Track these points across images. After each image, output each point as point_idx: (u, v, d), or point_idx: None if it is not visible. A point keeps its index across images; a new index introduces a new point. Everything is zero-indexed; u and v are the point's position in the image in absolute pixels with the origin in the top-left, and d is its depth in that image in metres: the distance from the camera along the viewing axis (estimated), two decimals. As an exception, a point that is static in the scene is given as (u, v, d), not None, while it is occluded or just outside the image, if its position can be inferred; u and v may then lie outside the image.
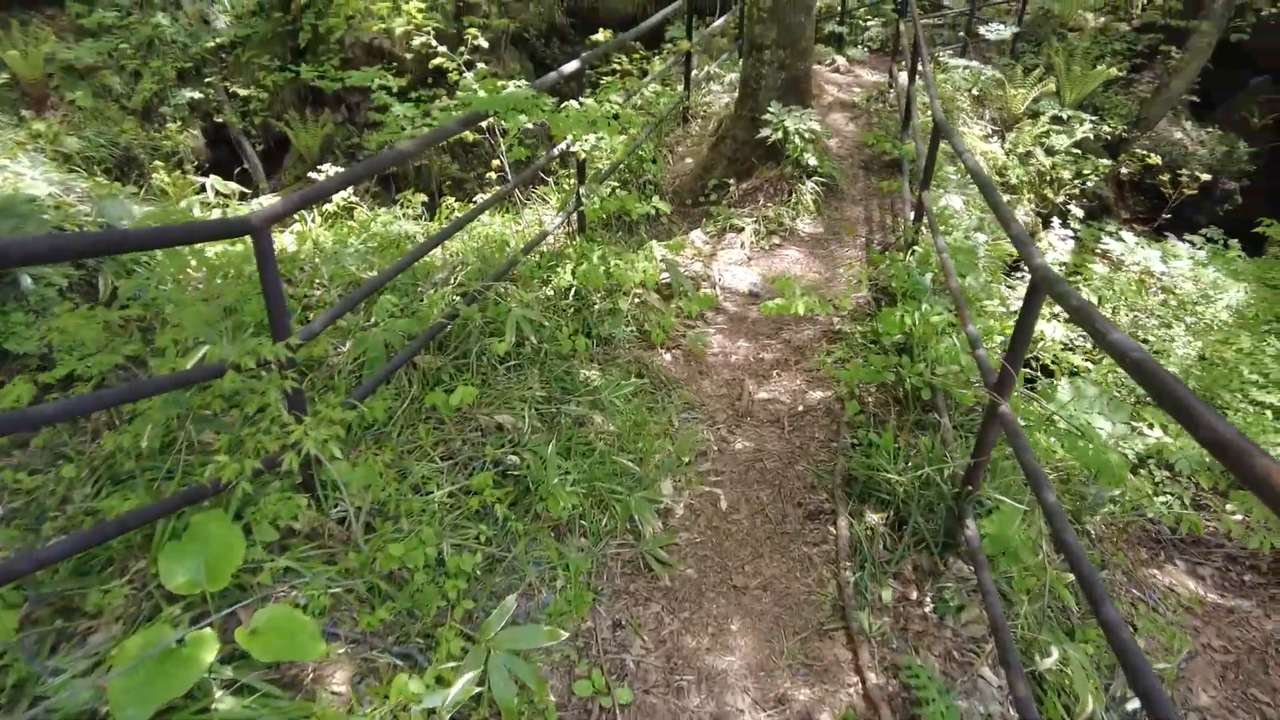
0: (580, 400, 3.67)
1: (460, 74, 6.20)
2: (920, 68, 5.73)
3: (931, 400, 3.65)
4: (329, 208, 5.95)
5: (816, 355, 4.35)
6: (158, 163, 7.48)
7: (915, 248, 4.89)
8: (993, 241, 6.30)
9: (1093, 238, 8.72)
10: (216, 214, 5.51)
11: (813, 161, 5.92)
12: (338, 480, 2.53)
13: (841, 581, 2.91)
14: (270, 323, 2.49)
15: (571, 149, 4.58)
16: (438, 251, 5.33)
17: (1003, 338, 4.65)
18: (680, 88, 7.47)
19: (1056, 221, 8.92)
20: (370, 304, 4.02)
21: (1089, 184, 8.79)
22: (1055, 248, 8.55)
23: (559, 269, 4.58)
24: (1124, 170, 10.30)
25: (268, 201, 5.28)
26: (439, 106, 4.24)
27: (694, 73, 8.36)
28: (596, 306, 4.49)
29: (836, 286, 5.13)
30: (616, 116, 4.66)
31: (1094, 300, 5.94)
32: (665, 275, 4.96)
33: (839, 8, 10.28)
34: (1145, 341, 6.10)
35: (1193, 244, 8.88)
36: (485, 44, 6.64)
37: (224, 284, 3.47)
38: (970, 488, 2.81)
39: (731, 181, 6.15)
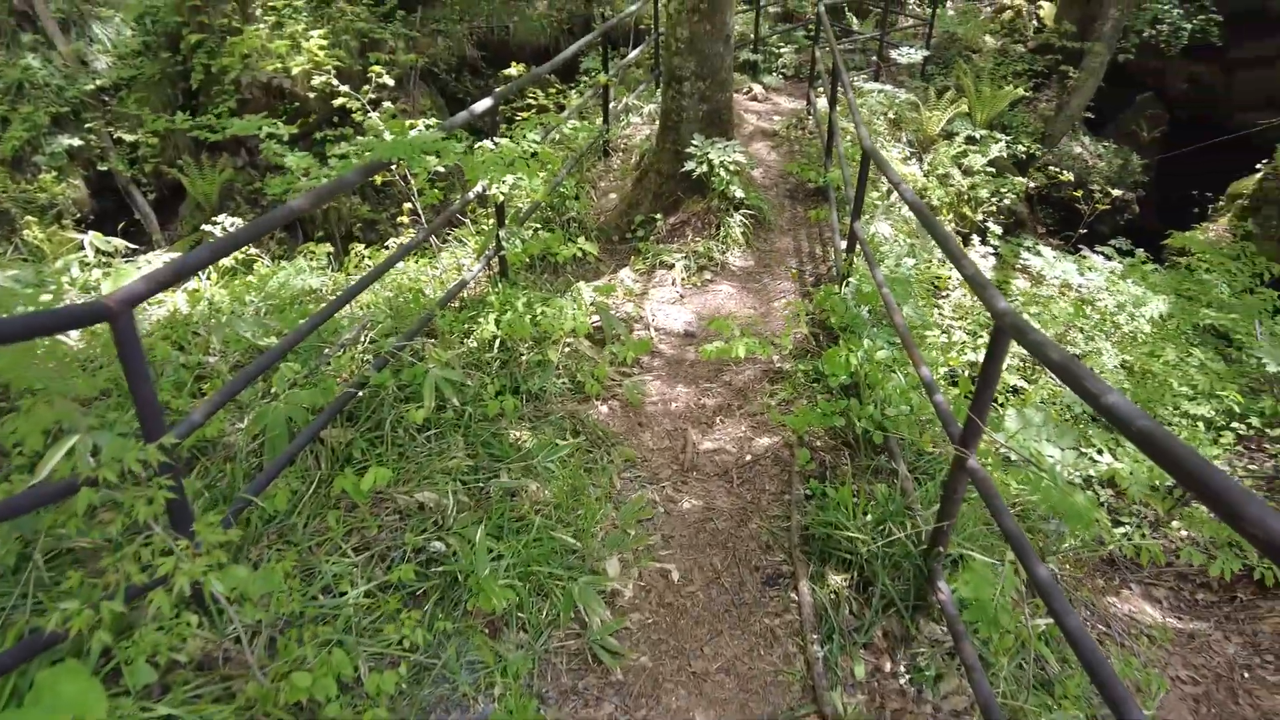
0: (511, 467, 3.35)
1: (365, 113, 5.85)
2: (842, 93, 5.67)
3: (885, 444, 3.46)
4: (226, 262, 5.48)
5: (760, 398, 4.13)
6: (30, 218, 6.82)
7: (850, 279, 4.76)
8: (922, 266, 6.27)
9: (1012, 254, 8.87)
10: (97, 273, 4.97)
11: (739, 193, 5.78)
12: (227, 608, 2.14)
13: (809, 657, 2.65)
14: (140, 420, 2.10)
15: (488, 191, 4.29)
16: (347, 306, 4.95)
17: (947, 368, 4.55)
18: (599, 121, 7.27)
19: (976, 239, 9.08)
20: (272, 371, 3.62)
21: (1006, 201, 8.97)
22: (979, 265, 8.67)
23: (481, 319, 4.25)
24: (1030, 184, 10.60)
25: (155, 260, 4.79)
26: (337, 154, 3.87)
27: (612, 105, 8.19)
28: (524, 358, 4.18)
29: (773, 322, 4.95)
30: (535, 155, 4.39)
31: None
32: (596, 319, 4.70)
33: (752, 36, 10.31)
34: (1080, 356, 6.14)
35: (1105, 255, 9.15)
36: (391, 81, 6.30)
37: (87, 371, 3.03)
38: (939, 548, 2.61)
39: (658, 216, 5.95)
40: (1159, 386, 5.44)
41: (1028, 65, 13.23)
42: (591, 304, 4.67)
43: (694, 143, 5.82)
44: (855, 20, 12.58)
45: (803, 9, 12.71)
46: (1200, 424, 5.11)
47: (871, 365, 3.73)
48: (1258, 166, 12.71)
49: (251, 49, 8.22)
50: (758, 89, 9.33)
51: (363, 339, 3.92)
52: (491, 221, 5.06)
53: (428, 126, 4.21)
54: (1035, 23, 17.06)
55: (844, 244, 5.38)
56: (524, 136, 4.51)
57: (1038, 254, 8.50)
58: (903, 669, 2.66)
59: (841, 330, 4.38)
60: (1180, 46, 13.93)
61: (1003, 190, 8.70)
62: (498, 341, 4.23)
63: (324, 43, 8.51)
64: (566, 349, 4.23)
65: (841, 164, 5.73)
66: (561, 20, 11.87)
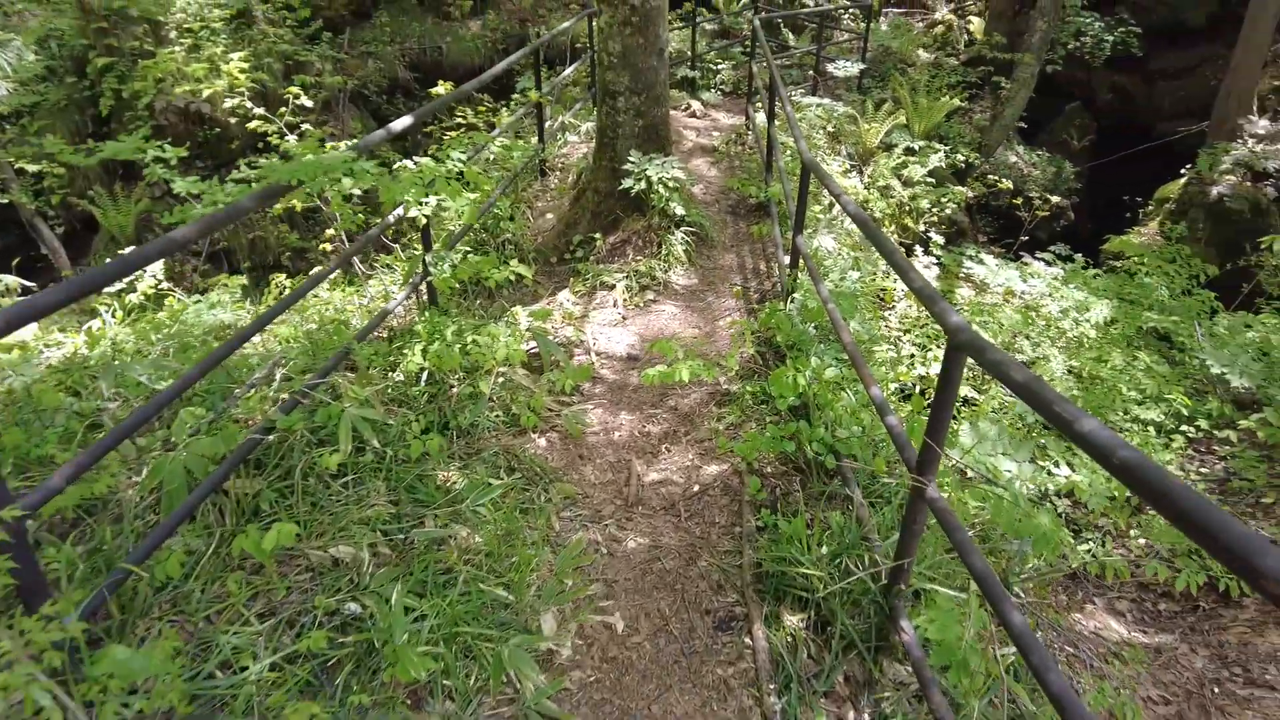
0: (438, 513, 3.06)
1: (282, 137, 5.54)
2: (780, 108, 5.55)
3: (838, 468, 3.28)
4: (134, 298, 5.09)
5: (707, 422, 3.92)
6: (-82, 257, 6.30)
7: (795, 295, 4.60)
8: (867, 278, 6.17)
9: (955, 263, 8.89)
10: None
11: (680, 210, 5.60)
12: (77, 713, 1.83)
13: (766, 710, 2.43)
14: (-25, 489, 1.80)
15: (411, 214, 4.03)
16: (260, 341, 4.61)
17: (898, 384, 4.40)
18: (535, 140, 7.05)
19: (919, 249, 9.09)
20: (172, 418, 3.28)
21: (947, 211, 9.00)
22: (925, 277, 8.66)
23: (407, 350, 3.98)
24: (969, 194, 10.71)
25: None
26: (235, 178, 3.57)
27: (548, 124, 7.99)
28: (455, 390, 3.91)
29: (719, 341, 4.76)
30: (461, 175, 4.15)
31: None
32: (533, 346, 4.45)
33: (689, 53, 10.24)
34: (1031, 363, 6.10)
35: (1045, 261, 9.24)
36: (309, 103, 6.00)
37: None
38: (900, 585, 2.41)
39: (597, 236, 5.73)
40: (1108, 392, 5.40)
41: (961, 77, 13.47)
42: (528, 329, 4.42)
43: (631, 159, 5.64)
44: (791, 36, 12.65)
45: (739, 26, 12.73)
46: (1151, 429, 5.07)
47: (820, 385, 3.55)
48: (1182, 172, 13.12)
49: (166, 73, 7.81)
50: (696, 105, 9.24)
51: (275, 377, 3.61)
52: (420, 246, 4.78)
53: (349, 148, 3.93)
54: (966, 36, 17.47)
55: (787, 259, 5.24)
56: (448, 156, 4.26)
57: (980, 262, 8.53)
58: (867, 717, 2.45)
59: (788, 348, 4.20)
60: (1104, 58, 14.36)
61: (944, 200, 8.72)
62: (425, 374, 3.96)
63: (244, 65, 8.15)
64: (500, 379, 3.96)
65: (782, 178, 5.61)
66: (496, 40, 11.67)
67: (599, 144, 5.91)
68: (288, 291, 5.27)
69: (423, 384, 3.92)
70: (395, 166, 3.97)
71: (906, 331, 7.13)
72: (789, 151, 7.56)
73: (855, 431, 3.31)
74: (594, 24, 7.99)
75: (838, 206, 6.35)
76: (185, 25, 8.11)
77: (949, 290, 8.27)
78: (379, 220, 4.47)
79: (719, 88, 10.48)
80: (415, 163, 3.83)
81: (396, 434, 3.43)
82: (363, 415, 3.23)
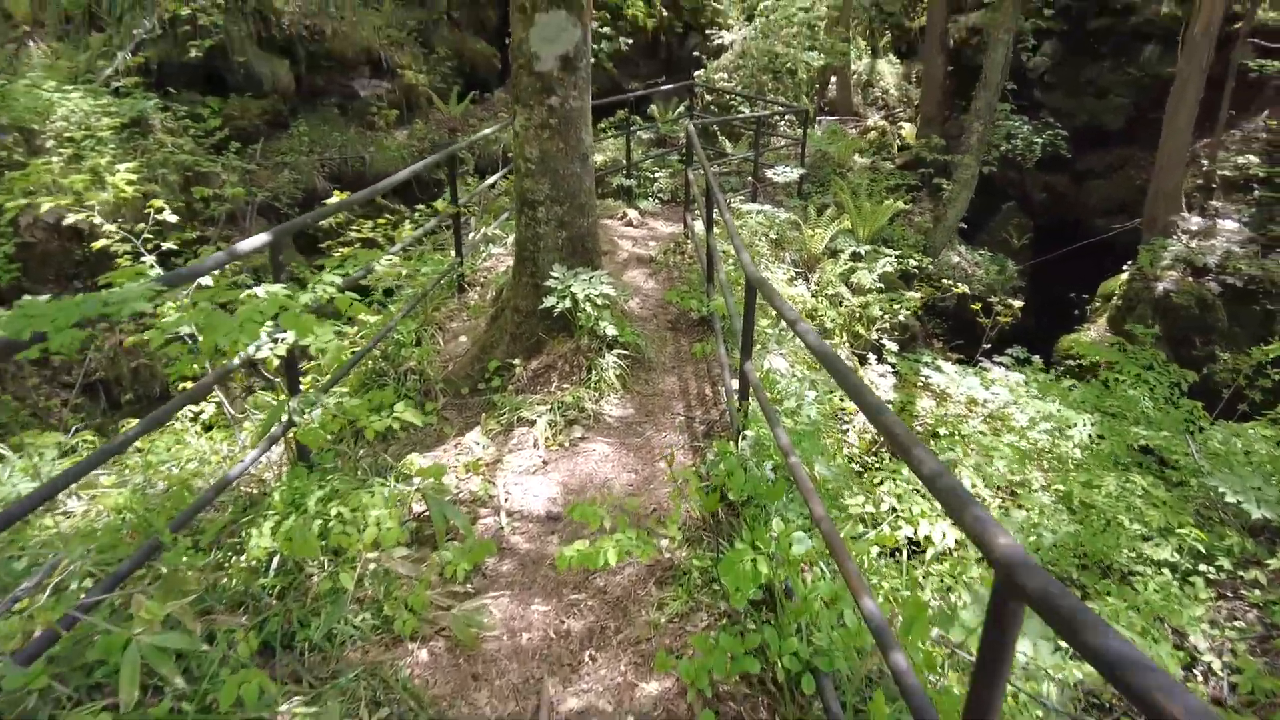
0: (250, 802, 2.10)
1: (138, 258, 4.72)
2: (719, 216, 4.96)
3: (819, 691, 2.42)
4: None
5: (645, 611, 3.04)
6: None
7: (746, 432, 3.84)
8: (824, 395, 5.48)
9: (912, 371, 8.34)
10: None
11: (611, 330, 4.87)
12: None
13: None
14: None
15: (260, 354, 3.20)
16: (80, 513, 3.65)
17: (891, 585, 3.57)
18: (453, 253, 6.35)
19: (873, 358, 8.54)
20: None
21: (900, 317, 8.51)
22: (878, 386, 8.07)
23: (255, 529, 3.06)
24: (920, 299, 10.34)
25: None
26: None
27: (471, 235, 7.34)
28: (315, 580, 2.99)
29: (659, 489, 3.94)
30: (332, 301, 3.35)
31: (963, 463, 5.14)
32: (423, 507, 3.57)
33: (625, 160, 9.85)
34: (1011, 489, 5.41)
35: (1004, 366, 8.80)
36: (173, 217, 5.24)
37: None
38: None
39: (517, 361, 4.95)
40: (1108, 526, 4.69)
41: (900, 180, 13.46)
42: (418, 489, 3.54)
43: (554, 275, 4.93)
44: (728, 143, 12.49)
45: (675, 134, 12.55)
46: (1166, 570, 4.35)
47: (788, 566, 2.73)
48: (1124, 268, 13.13)
49: (38, 184, 6.97)
50: (633, 214, 8.73)
51: (46, 585, 2.64)
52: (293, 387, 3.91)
53: (160, 279, 3.11)
54: (899, 141, 17.81)
55: (735, 383, 4.52)
56: (319, 281, 3.48)
57: (939, 369, 7.96)
58: None
59: (743, 504, 3.40)
60: (1035, 160, 14.62)
61: (897, 306, 8.24)
62: (275, 560, 3.04)
63: (133, 177, 7.37)
64: (372, 566, 3.05)
65: (725, 291, 4.95)
66: (424, 150, 11.18)
67: (518, 258, 5.21)
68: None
69: (272, 573, 2.99)
70: (243, 295, 3.16)
71: (870, 453, 6.44)
72: (731, 260, 7.01)
73: (837, 635, 2.47)
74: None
75: (783, 323, 5.72)
76: (66, 135, 7.34)
77: (908, 401, 7.67)
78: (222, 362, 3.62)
79: (657, 196, 10.07)
80: (263, 293, 3.03)
81: (215, 661, 2.48)
82: (160, 644, 2.29)
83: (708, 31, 14.07)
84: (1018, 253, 15.74)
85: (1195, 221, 12.60)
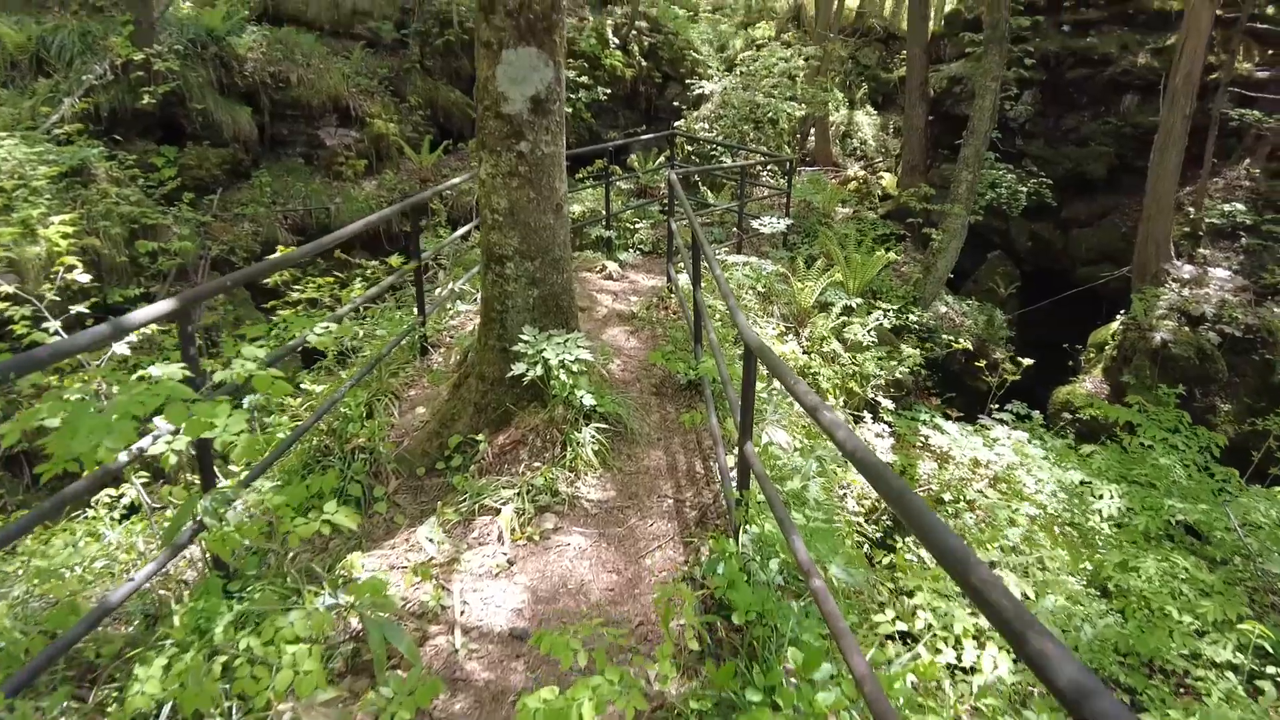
0: None
1: (36, 325, 4.11)
2: (708, 270, 4.45)
3: None
4: None
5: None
6: None
7: (747, 528, 3.26)
8: (827, 466, 4.92)
9: (910, 430, 7.84)
10: None
11: (589, 400, 4.30)
12: None
13: None
14: None
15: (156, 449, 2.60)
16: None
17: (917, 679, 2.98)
18: (416, 312, 5.78)
19: (869, 416, 8.02)
20: None
21: (897, 374, 8.03)
22: (876, 447, 7.53)
23: (144, 665, 2.43)
24: (920, 356, 9.87)
25: None
26: None
27: (438, 290, 6.79)
28: (212, 740, 2.34)
29: (644, 597, 3.32)
30: (251, 380, 2.77)
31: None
32: (358, 625, 2.94)
33: (604, 211, 9.41)
34: (1028, 572, 4.83)
35: (1004, 423, 8.33)
36: (85, 277, 4.65)
37: None
38: None
39: (481, 437, 4.35)
40: (1154, 618, 4.13)
41: (886, 229, 13.16)
42: (354, 606, 2.91)
43: (524, 338, 4.38)
44: (710, 193, 12.14)
45: (655, 184, 12.19)
46: (1230, 674, 3.78)
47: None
48: (1118, 317, 12.83)
49: (-41, 241, 6.35)
50: (613, 267, 8.24)
51: None
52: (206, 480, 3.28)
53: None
54: (880, 191, 17.64)
55: (730, 462, 3.95)
56: (236, 353, 2.90)
57: (938, 429, 7.48)
58: None
59: (747, 623, 2.80)
60: (1020, 208, 14.43)
61: (894, 363, 7.76)
62: (166, 711, 2.40)
63: (69, 230, 6.77)
64: (286, 717, 2.41)
65: (715, 351, 4.41)
66: (393, 201, 10.68)
67: (484, 319, 4.65)
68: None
69: (158, 731, 2.35)
70: (135, 378, 2.58)
71: (870, 520, 5.88)
72: (719, 315, 6.50)
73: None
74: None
75: (778, 382, 5.20)
76: (-4, 186, 6.76)
77: (909, 464, 7.13)
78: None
79: (637, 247, 9.61)
80: (148, 376, 2.44)
81: None
82: None
83: (688, 81, 13.86)
84: (1005, 302, 15.47)
85: (1188, 270, 12.35)
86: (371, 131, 11.20)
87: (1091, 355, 13.44)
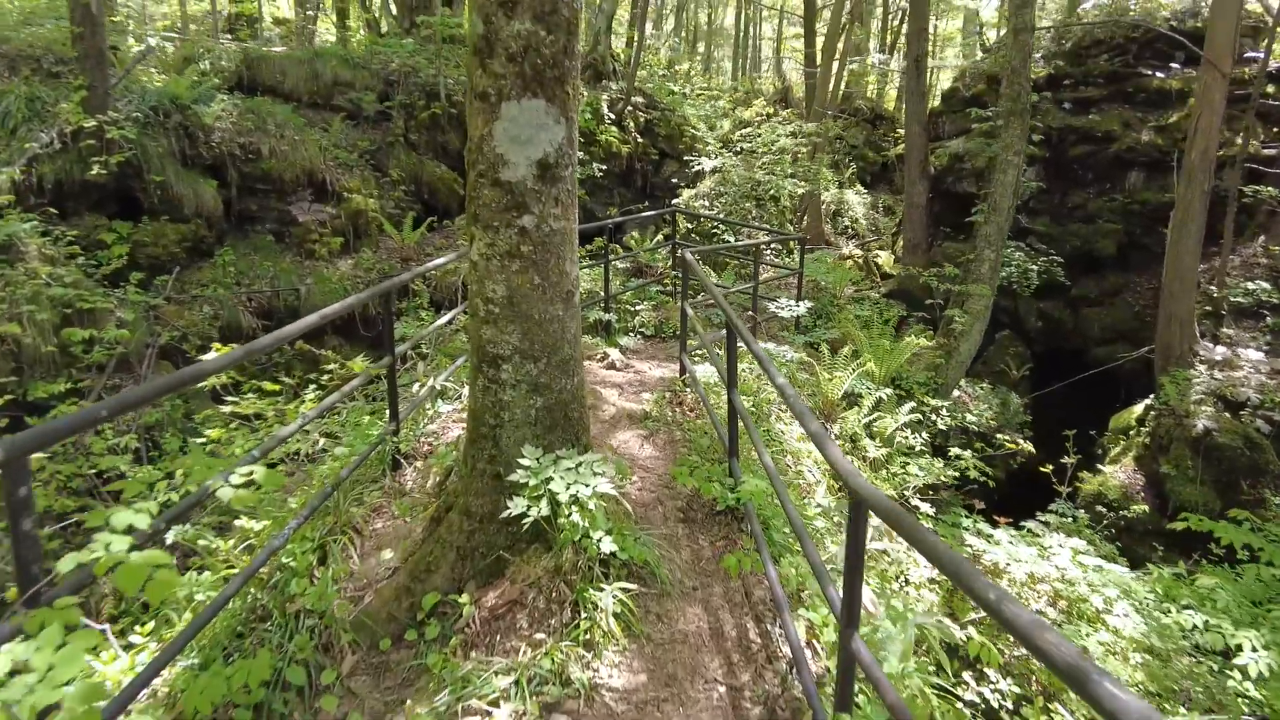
0: None
1: None
2: (765, 371, 3.54)
3: None
4: None
5: None
6: None
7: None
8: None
9: (954, 539, 6.82)
10: None
11: (608, 545, 3.28)
12: None
13: None
14: None
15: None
16: None
17: None
18: (388, 417, 4.77)
19: (907, 522, 7.03)
20: None
21: (944, 476, 7.07)
22: (919, 562, 6.51)
23: None
24: (975, 461, 8.92)
25: None
26: None
27: (416, 386, 5.80)
28: None
29: None
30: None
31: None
32: None
33: (603, 292, 8.56)
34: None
35: (1047, 524, 7.42)
36: None
37: None
38: None
39: (465, 597, 3.30)
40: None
41: (896, 310, 12.43)
42: None
43: (524, 462, 3.39)
44: (713, 273, 11.38)
45: (653, 263, 11.43)
46: None
47: None
48: (1145, 401, 12.05)
49: None
50: (614, 354, 7.32)
51: None
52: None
53: None
54: (878, 269, 17.09)
55: (798, 630, 2.94)
56: (106, 522, 1.89)
57: (989, 539, 6.50)
58: None
59: None
60: (1032, 288, 13.84)
61: (940, 467, 6.81)
62: None
63: (-16, 319, 5.77)
64: None
65: (773, 480, 3.45)
66: (371, 282, 9.80)
67: (472, 435, 3.66)
68: None
69: None
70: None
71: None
72: (760, 415, 5.55)
73: None
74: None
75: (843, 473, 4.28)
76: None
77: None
78: None
79: (639, 331, 8.73)
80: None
81: None
82: None
83: (685, 158, 13.31)
84: (1017, 384, 14.74)
85: (1220, 351, 11.64)
86: (349, 207, 10.39)
87: (1117, 441, 12.58)
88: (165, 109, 8.73)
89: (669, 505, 4.40)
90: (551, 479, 3.29)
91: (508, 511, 3.24)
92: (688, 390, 6.30)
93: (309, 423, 3.48)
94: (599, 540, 3.25)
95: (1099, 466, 12.10)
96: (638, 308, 9.37)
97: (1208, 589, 4.80)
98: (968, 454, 7.15)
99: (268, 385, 4.51)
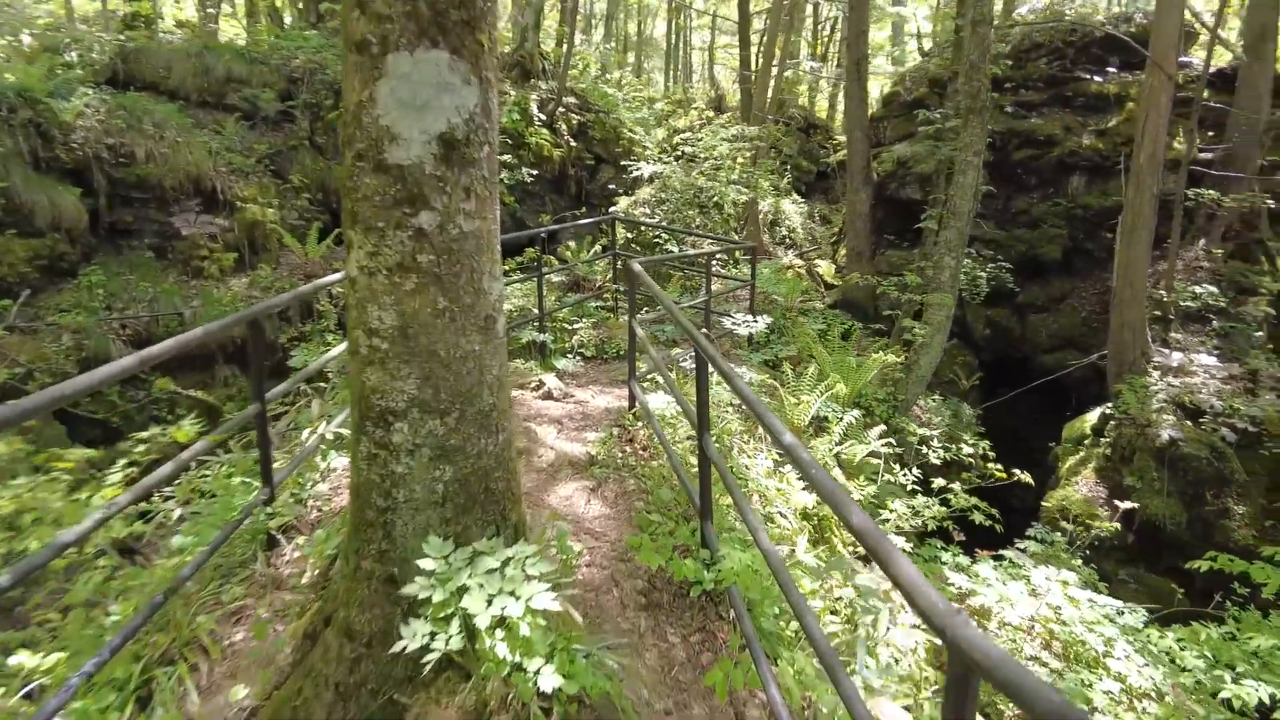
0: None
1: None
2: (762, 423, 2.66)
3: None
4: None
5: None
6: None
7: None
8: None
9: (934, 575, 6.06)
10: None
11: (551, 682, 2.30)
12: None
13: None
14: None
15: None
16: None
17: None
18: (260, 481, 3.69)
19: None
20: None
21: (938, 513, 6.30)
22: (893, 599, 5.72)
23: None
24: (964, 495, 8.19)
25: None
26: None
27: (306, 434, 4.71)
28: None
29: None
30: None
31: None
32: None
33: (537, 309, 7.56)
34: None
35: (1023, 550, 6.80)
36: None
37: None
38: None
39: (346, 762, 2.28)
40: None
41: (841, 320, 11.79)
42: None
43: (425, 563, 2.40)
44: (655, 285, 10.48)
45: (592, 275, 10.48)
46: None
47: None
48: (1103, 409, 11.67)
49: None
50: (552, 381, 6.32)
51: None
52: None
53: None
54: (820, 279, 16.56)
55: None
56: None
57: (974, 575, 5.80)
58: None
59: None
60: (982, 295, 13.42)
61: (930, 508, 6.04)
62: None
63: None
64: None
65: (771, 561, 2.54)
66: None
67: (355, 522, 2.64)
68: None
69: None
70: None
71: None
72: (723, 448, 4.65)
73: None
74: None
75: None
76: None
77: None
78: None
79: (579, 352, 7.77)
80: None
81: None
82: None
83: (623, 163, 12.42)
84: (967, 394, 14.34)
85: (1176, 357, 11.34)
86: (244, 218, 9.13)
87: (1073, 451, 12.19)
88: (10, 103, 7.37)
89: (626, 586, 3.44)
90: (467, 588, 2.30)
91: (402, 645, 2.24)
92: (639, 425, 5.38)
93: (92, 530, 2.39)
94: (536, 674, 2.28)
95: (1059, 478, 11.68)
96: (576, 325, 8.40)
97: (1267, 650, 4.09)
98: (957, 488, 6.40)
99: (61, 462, 3.37)
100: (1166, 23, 11.07)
